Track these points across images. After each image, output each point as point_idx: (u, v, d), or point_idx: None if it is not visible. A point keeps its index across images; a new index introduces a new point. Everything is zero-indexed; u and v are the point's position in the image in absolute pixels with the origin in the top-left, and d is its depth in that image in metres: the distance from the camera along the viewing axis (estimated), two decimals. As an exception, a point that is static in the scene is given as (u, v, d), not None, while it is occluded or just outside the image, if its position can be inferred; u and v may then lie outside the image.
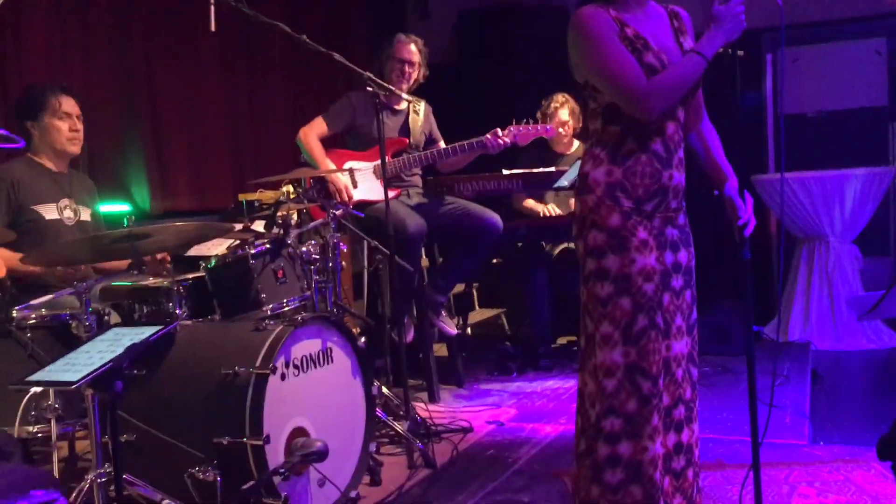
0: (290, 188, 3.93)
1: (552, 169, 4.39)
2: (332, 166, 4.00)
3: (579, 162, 4.22)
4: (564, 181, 4.21)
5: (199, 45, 5.01)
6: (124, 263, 3.12)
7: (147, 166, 4.81)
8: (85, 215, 3.28)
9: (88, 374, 1.67)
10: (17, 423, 2.31)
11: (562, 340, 5.27)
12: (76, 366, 1.74)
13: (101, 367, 1.68)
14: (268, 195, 4.49)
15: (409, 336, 4.11)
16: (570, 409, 3.84)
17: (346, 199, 3.91)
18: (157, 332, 1.88)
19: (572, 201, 4.83)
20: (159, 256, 3.15)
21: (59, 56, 4.19)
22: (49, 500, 0.87)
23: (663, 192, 2.21)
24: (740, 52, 2.28)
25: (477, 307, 5.68)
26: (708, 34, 2.16)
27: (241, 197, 4.63)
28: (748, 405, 2.27)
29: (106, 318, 2.65)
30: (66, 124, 3.20)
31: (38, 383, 1.85)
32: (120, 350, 1.77)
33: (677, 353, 2.26)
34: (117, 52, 4.54)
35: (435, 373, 4.11)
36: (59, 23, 4.17)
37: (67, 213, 3.21)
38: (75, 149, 3.26)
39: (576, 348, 5.15)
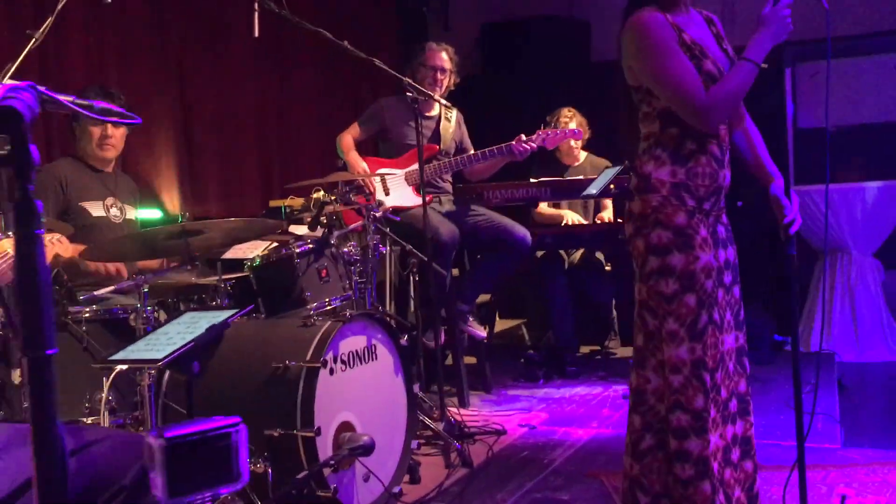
0: (322, 193, 3.99)
1: (581, 177, 4.44)
2: (365, 166, 4.07)
3: (608, 170, 4.33)
4: (593, 189, 4.26)
5: (231, 53, 5.09)
6: (155, 263, 3.18)
7: (178, 173, 4.88)
8: (131, 214, 3.35)
9: (173, 352, 1.72)
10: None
11: (584, 350, 5.31)
12: (157, 346, 1.79)
13: (185, 345, 1.73)
14: (298, 201, 4.54)
15: (440, 341, 4.15)
16: (601, 413, 3.89)
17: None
18: (234, 314, 1.94)
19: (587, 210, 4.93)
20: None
21: (95, 60, 4.26)
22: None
23: (719, 192, 2.27)
24: (764, 65, 2.34)
25: (497, 318, 5.72)
26: (755, 38, 2.21)
27: (273, 203, 4.69)
28: (786, 410, 2.30)
29: (155, 314, 2.70)
30: (98, 130, 3.27)
31: (122, 362, 1.91)
32: (200, 330, 1.82)
33: (728, 347, 2.30)
34: (151, 59, 4.62)
35: (465, 378, 4.14)
36: (97, 28, 4.25)
37: (114, 212, 3.27)
38: (105, 154, 3.31)
39: (599, 357, 5.21)
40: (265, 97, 5.42)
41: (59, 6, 2.43)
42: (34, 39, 2.38)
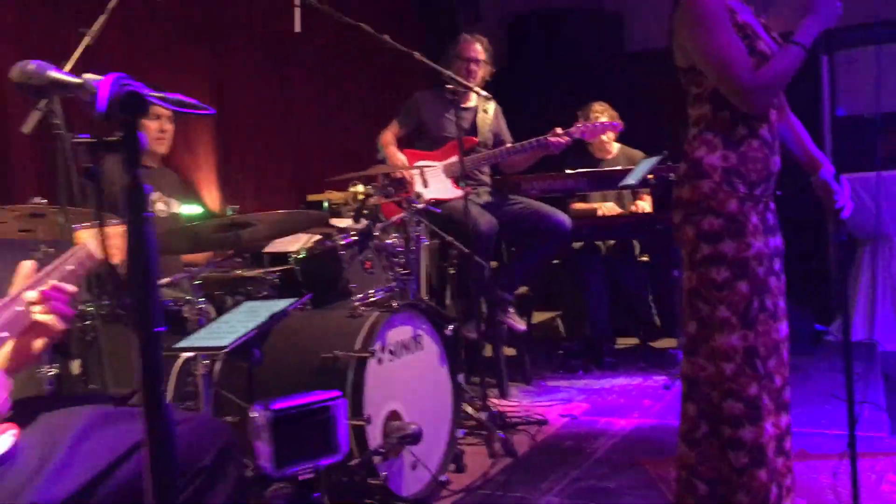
0: (360, 187, 4.02)
1: (618, 168, 4.44)
2: (404, 159, 4.10)
3: (646, 160, 4.31)
4: (632, 179, 4.24)
5: (266, 48, 5.14)
6: (202, 256, 3.23)
7: (216, 169, 4.94)
8: (175, 208, 3.41)
9: (237, 340, 1.75)
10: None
11: (620, 341, 5.29)
12: (220, 334, 1.83)
13: (247, 333, 1.77)
14: (336, 195, 4.59)
15: (475, 333, 4.17)
16: (642, 404, 3.88)
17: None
18: (294, 302, 1.97)
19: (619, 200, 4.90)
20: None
21: (133, 55, 4.31)
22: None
23: (769, 178, 2.24)
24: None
25: (533, 311, 5.71)
26: (804, 23, 2.19)
27: (311, 197, 4.73)
28: (829, 400, 2.29)
29: (204, 306, 2.74)
30: (155, 125, 3.33)
31: (187, 349, 1.95)
32: (261, 319, 1.85)
33: (784, 335, 2.29)
34: (187, 55, 4.67)
35: (505, 369, 4.16)
36: (133, 23, 4.30)
37: (159, 206, 3.33)
38: (162, 148, 3.40)
39: (637, 348, 5.18)
40: (299, 93, 5.47)
41: (111, 5, 2.47)
42: (87, 37, 2.42)
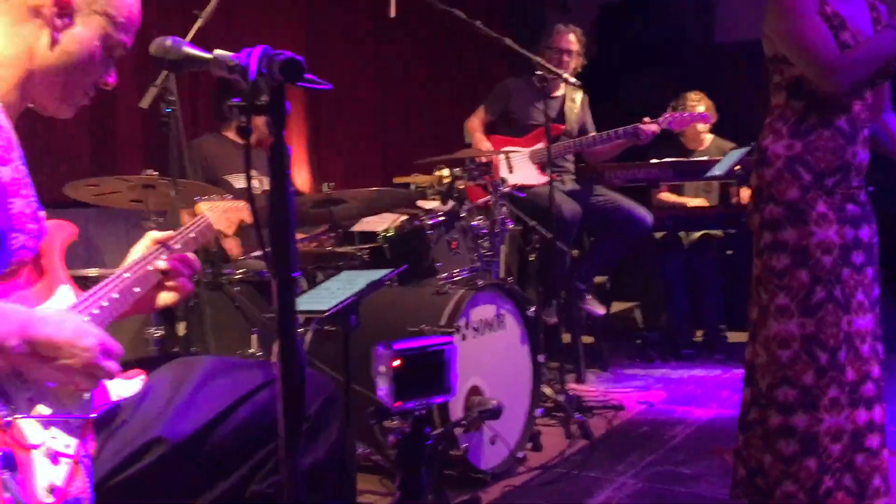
0: (446, 171, 4.11)
1: (705, 158, 4.40)
2: (489, 145, 4.17)
3: (733, 151, 4.27)
4: (718, 170, 4.21)
5: (354, 34, 5.27)
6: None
7: (307, 151, 5.11)
8: (267, 185, 3.56)
9: (337, 305, 1.86)
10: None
11: (699, 333, 5.24)
12: (320, 299, 1.94)
13: (347, 299, 1.87)
14: (422, 178, 4.68)
15: (555, 318, 4.22)
16: (720, 395, 3.87)
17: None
18: (391, 272, 2.07)
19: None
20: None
21: (233, 35, 4.48)
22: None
23: (846, 169, 2.22)
24: None
25: (611, 300, 5.71)
26: None
27: (396, 180, 4.85)
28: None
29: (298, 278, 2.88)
30: None
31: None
32: (360, 286, 1.96)
33: (860, 328, 2.26)
34: (277, 40, 4.83)
35: (582, 355, 4.20)
36: (234, 4, 4.47)
37: (255, 183, 3.49)
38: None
39: (716, 340, 5.11)
40: (390, 78, 5.59)
41: (221, -12, 2.61)
42: (200, 18, 2.57)
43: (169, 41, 1.22)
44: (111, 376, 1.19)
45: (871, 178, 2.48)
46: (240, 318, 2.72)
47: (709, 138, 4.91)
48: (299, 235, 3.37)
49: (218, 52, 1.21)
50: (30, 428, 1.09)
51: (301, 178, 5.07)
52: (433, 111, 5.82)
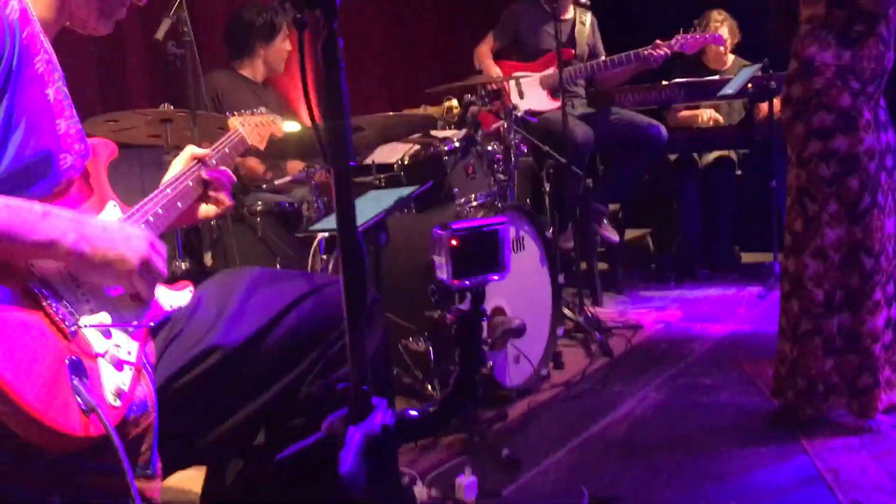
0: (454, 102, 4.10)
1: (716, 77, 4.37)
2: (499, 71, 4.15)
3: (745, 69, 4.24)
4: (729, 89, 4.19)
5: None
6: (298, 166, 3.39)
7: (313, 86, 5.07)
8: (279, 122, 3.56)
9: (368, 221, 1.89)
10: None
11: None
12: (351, 218, 1.97)
13: (377, 215, 1.91)
14: (431, 109, 4.67)
15: (571, 243, 4.26)
16: (736, 312, 3.93)
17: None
18: (417, 189, 2.10)
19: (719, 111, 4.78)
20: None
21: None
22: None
23: (883, 74, 2.24)
24: None
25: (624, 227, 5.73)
26: None
27: (406, 111, 4.83)
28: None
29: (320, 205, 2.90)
30: (287, 44, 3.50)
31: (321, 230, 2.11)
32: (389, 203, 1.99)
33: (890, 231, 2.30)
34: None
35: (598, 278, 4.25)
36: None
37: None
38: (280, 68, 3.57)
39: (732, 258, 5.14)
40: (391, 9, 5.52)
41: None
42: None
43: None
44: (162, 275, 1.23)
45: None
46: (263, 247, 2.76)
47: (731, 58, 4.84)
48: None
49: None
50: (94, 336, 1.14)
51: (306, 113, 5.05)
52: (439, 41, 5.76)
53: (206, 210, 1.53)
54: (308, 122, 4.82)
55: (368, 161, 3.61)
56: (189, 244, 2.85)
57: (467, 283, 0.97)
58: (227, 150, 1.60)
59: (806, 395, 2.37)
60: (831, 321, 2.28)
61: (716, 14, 4.74)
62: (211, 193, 1.52)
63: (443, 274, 0.97)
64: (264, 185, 2.87)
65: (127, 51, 3.78)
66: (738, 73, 4.25)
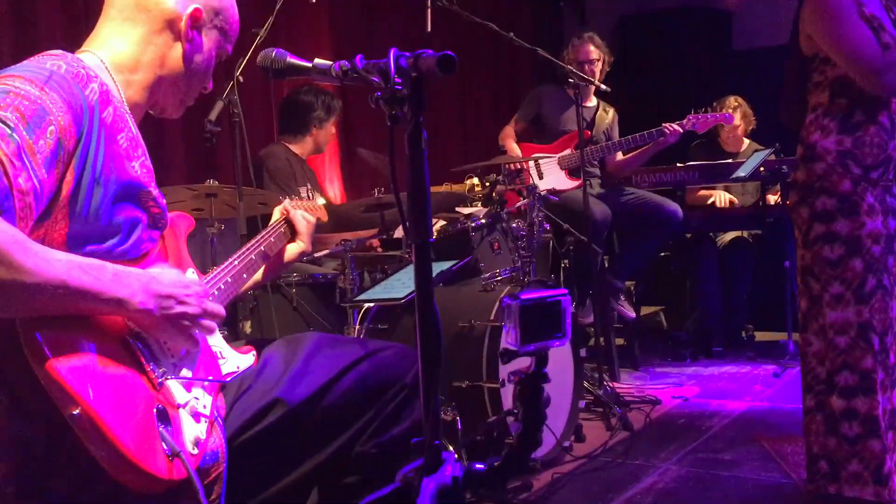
0: (476, 180, 4.26)
1: (729, 161, 4.54)
2: (520, 153, 4.33)
3: (757, 153, 4.40)
4: (742, 172, 4.34)
5: (384, 50, 5.42)
6: (349, 235, 3.52)
7: (340, 164, 5.27)
8: (318, 199, 3.72)
9: (411, 293, 2.00)
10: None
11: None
12: (394, 289, 2.09)
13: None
14: (454, 187, 4.84)
15: (590, 318, 4.35)
16: (753, 389, 3.99)
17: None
18: (458, 263, 2.22)
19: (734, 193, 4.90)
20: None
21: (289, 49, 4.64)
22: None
23: (887, 162, 2.34)
24: None
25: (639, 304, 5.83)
26: None
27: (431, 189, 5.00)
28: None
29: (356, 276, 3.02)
30: (333, 129, 3.73)
31: (368, 301, 2.22)
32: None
33: (894, 315, 2.38)
34: (308, 51, 4.98)
35: (616, 353, 4.33)
36: (289, 23, 4.64)
37: (309, 196, 3.66)
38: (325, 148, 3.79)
39: (746, 337, 5.21)
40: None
41: (278, 6, 2.78)
42: (259, 36, 2.73)
43: (274, 52, 1.37)
44: (221, 318, 1.34)
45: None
46: (297, 318, 2.87)
47: (746, 142, 5.03)
48: (350, 237, 3.54)
49: (317, 60, 1.36)
50: (176, 389, 1.24)
51: (335, 190, 5.22)
52: (464, 123, 5.98)
53: (292, 251, 1.73)
54: (334, 200, 5.02)
55: (398, 235, 3.76)
56: (229, 312, 2.96)
57: (531, 348, 1.07)
58: (272, 240, 1.74)
59: (808, 472, 2.42)
60: (833, 399, 2.34)
61: (732, 100, 4.94)
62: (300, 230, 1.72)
63: (510, 339, 1.07)
64: (304, 258, 2.99)
65: (165, 128, 3.97)
66: (751, 157, 4.41)
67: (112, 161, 1.29)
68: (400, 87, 1.01)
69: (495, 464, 1.10)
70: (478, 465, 1.09)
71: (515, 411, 2.72)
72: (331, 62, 1.34)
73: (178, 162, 4.05)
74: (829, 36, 2.32)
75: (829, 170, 2.32)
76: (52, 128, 1.18)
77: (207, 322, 1.31)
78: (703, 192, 4.98)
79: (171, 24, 1.43)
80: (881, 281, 2.31)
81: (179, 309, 1.26)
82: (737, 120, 4.91)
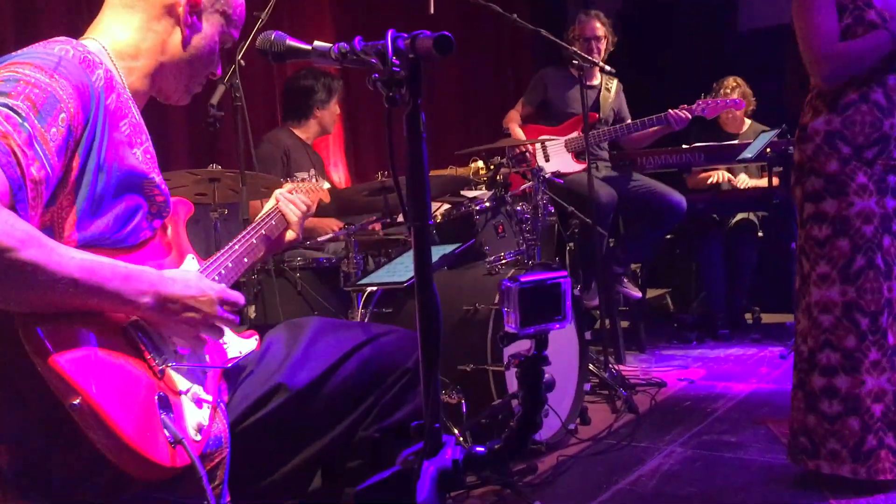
0: (480, 163, 4.25)
1: (735, 142, 4.51)
2: (523, 136, 4.31)
3: (763, 134, 4.37)
4: (748, 153, 4.31)
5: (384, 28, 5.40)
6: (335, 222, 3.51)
7: (345, 148, 5.25)
8: (323, 184, 3.71)
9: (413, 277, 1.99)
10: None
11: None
12: (397, 272, 2.08)
13: (424, 271, 2.01)
14: (459, 170, 4.82)
15: (595, 301, 4.34)
16: (759, 371, 3.98)
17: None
18: (460, 246, 2.21)
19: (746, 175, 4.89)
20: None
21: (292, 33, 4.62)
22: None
23: (885, 140, 2.32)
24: None
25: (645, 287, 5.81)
26: None
27: (433, 173, 4.98)
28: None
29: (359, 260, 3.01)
30: (337, 108, 3.71)
31: (370, 284, 2.22)
32: (433, 259, 2.09)
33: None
34: (310, 35, 4.96)
35: (621, 336, 4.32)
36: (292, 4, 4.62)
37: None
38: (331, 128, 3.77)
39: (752, 319, 5.20)
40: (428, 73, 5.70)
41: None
42: (260, 20, 2.72)
43: (273, 35, 1.36)
44: (232, 323, 1.33)
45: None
46: (301, 302, 2.87)
47: (747, 123, 4.99)
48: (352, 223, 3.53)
49: (317, 43, 1.35)
50: (177, 376, 1.24)
51: (339, 174, 5.21)
52: (467, 104, 5.95)
53: (290, 236, 1.74)
54: (339, 184, 5.01)
55: (401, 218, 3.75)
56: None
57: (531, 330, 1.07)
58: (273, 223, 1.73)
59: (790, 447, 2.46)
60: (814, 377, 2.34)
61: (731, 81, 4.91)
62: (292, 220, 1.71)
63: (510, 322, 1.06)
64: (307, 242, 2.99)
65: (167, 111, 3.96)
66: (757, 138, 4.38)
67: (115, 149, 1.29)
68: (398, 69, 1.00)
69: (496, 447, 1.09)
70: (478, 449, 1.09)
71: (520, 395, 2.73)
72: (330, 45, 1.32)
73: (182, 146, 4.05)
74: (796, 19, 2.35)
75: (818, 150, 2.33)
76: (63, 115, 1.18)
77: (215, 327, 1.30)
78: (702, 175, 4.95)
79: (170, 10, 1.42)
80: (873, 261, 2.30)
81: (187, 314, 1.26)
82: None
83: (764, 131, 4.51)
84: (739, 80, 4.92)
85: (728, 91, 4.83)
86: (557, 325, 1.12)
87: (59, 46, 1.27)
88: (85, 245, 1.22)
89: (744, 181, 4.86)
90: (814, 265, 2.37)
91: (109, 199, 1.27)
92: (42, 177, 1.13)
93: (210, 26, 1.46)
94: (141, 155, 1.36)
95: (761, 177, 4.91)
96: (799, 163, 2.41)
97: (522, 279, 1.07)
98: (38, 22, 3.37)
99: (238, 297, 1.34)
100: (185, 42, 1.43)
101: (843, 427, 2.33)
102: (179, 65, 1.44)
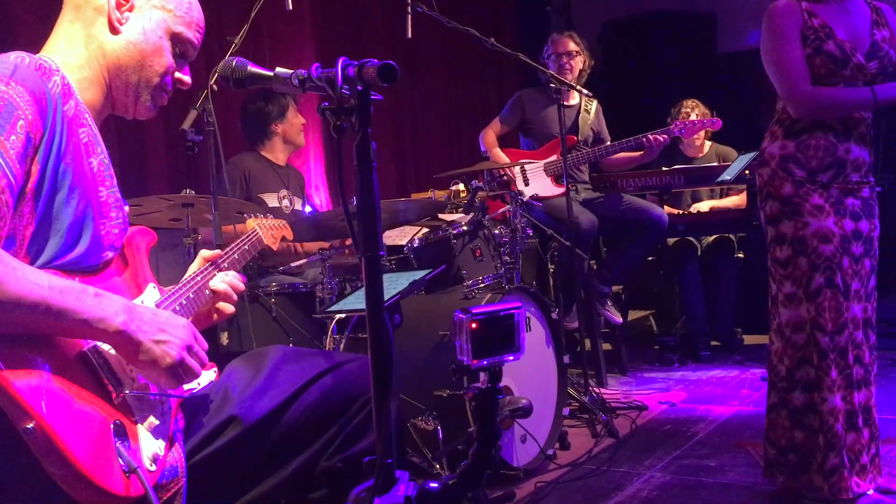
0: (461, 186, 4.24)
1: (715, 164, 4.53)
2: (506, 159, 4.30)
3: (741, 156, 4.39)
4: (727, 175, 4.32)
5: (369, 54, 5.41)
6: (326, 245, 3.49)
7: (326, 171, 5.24)
8: (298, 205, 3.69)
9: (384, 302, 1.97)
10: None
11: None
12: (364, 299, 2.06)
13: (392, 297, 1.99)
14: (438, 193, 4.82)
15: (575, 323, 4.33)
16: (740, 393, 3.96)
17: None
18: (431, 272, 2.19)
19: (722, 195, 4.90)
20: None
21: (267, 57, 4.62)
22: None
23: (839, 165, 2.37)
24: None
25: (627, 309, 5.80)
26: (893, 84, 2.33)
27: (414, 195, 4.97)
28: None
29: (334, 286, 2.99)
30: (299, 119, 3.67)
31: (340, 311, 2.19)
32: (403, 286, 2.08)
33: (854, 315, 2.39)
34: (292, 58, 4.98)
35: (603, 358, 4.30)
36: (269, 27, 4.61)
37: (285, 202, 3.62)
38: (301, 141, 3.73)
39: (735, 340, 5.18)
40: (399, 98, 5.73)
41: (253, 13, 2.76)
42: (234, 45, 2.71)
43: (235, 61, 1.35)
44: (196, 374, 1.29)
45: (885, 179, 2.62)
46: (276, 327, 2.84)
47: (707, 145, 5.02)
48: (327, 245, 3.51)
49: (278, 69, 1.34)
50: (135, 403, 1.21)
51: (320, 198, 5.20)
52: (447, 128, 5.96)
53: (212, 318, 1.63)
54: (319, 207, 4.99)
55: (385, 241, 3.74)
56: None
57: (485, 362, 1.05)
58: (242, 251, 1.70)
59: (777, 464, 2.46)
60: (795, 395, 2.36)
61: (688, 102, 4.93)
62: (219, 305, 1.59)
63: (463, 355, 1.05)
64: (280, 267, 2.97)
65: (146, 137, 3.94)
66: (736, 160, 4.39)
67: (72, 153, 1.28)
68: (347, 97, 0.99)
69: (450, 482, 1.07)
70: (432, 484, 1.06)
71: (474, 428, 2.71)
72: (292, 71, 1.31)
73: (160, 172, 4.02)
74: (764, 50, 2.41)
75: (773, 174, 2.40)
76: (21, 122, 1.18)
77: (186, 366, 1.27)
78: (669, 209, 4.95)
79: (100, 10, 1.41)
80: (832, 280, 2.32)
81: (161, 336, 1.23)
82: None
83: (742, 153, 4.53)
84: (696, 102, 4.94)
85: (687, 112, 4.85)
86: (511, 357, 1.10)
87: (14, 55, 1.27)
88: (45, 264, 1.20)
89: (706, 205, 4.88)
90: (780, 286, 2.41)
91: (65, 205, 1.25)
92: (4, 185, 1.12)
93: (149, 21, 1.44)
94: (96, 165, 1.34)
95: (721, 197, 4.95)
96: (759, 187, 2.48)
97: (474, 310, 1.06)
98: (14, 40, 3.35)
99: (203, 342, 1.31)
100: (121, 39, 1.41)
101: (813, 440, 2.35)
102: (123, 67, 1.42)
